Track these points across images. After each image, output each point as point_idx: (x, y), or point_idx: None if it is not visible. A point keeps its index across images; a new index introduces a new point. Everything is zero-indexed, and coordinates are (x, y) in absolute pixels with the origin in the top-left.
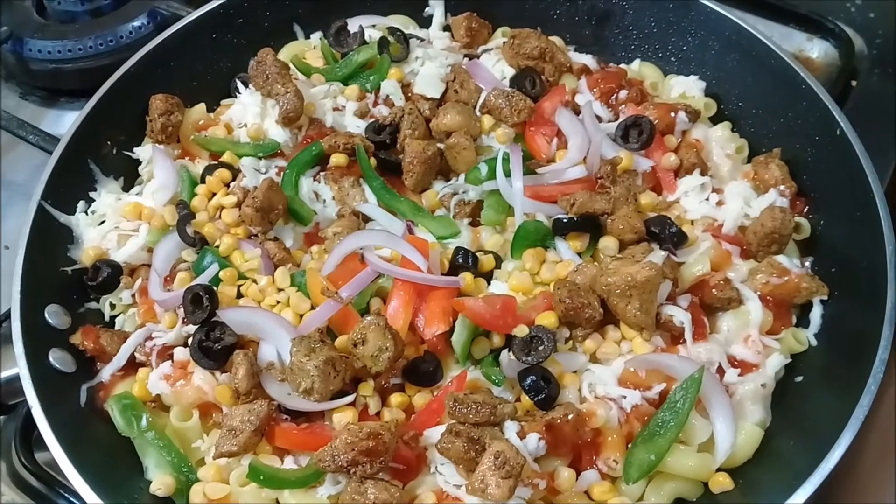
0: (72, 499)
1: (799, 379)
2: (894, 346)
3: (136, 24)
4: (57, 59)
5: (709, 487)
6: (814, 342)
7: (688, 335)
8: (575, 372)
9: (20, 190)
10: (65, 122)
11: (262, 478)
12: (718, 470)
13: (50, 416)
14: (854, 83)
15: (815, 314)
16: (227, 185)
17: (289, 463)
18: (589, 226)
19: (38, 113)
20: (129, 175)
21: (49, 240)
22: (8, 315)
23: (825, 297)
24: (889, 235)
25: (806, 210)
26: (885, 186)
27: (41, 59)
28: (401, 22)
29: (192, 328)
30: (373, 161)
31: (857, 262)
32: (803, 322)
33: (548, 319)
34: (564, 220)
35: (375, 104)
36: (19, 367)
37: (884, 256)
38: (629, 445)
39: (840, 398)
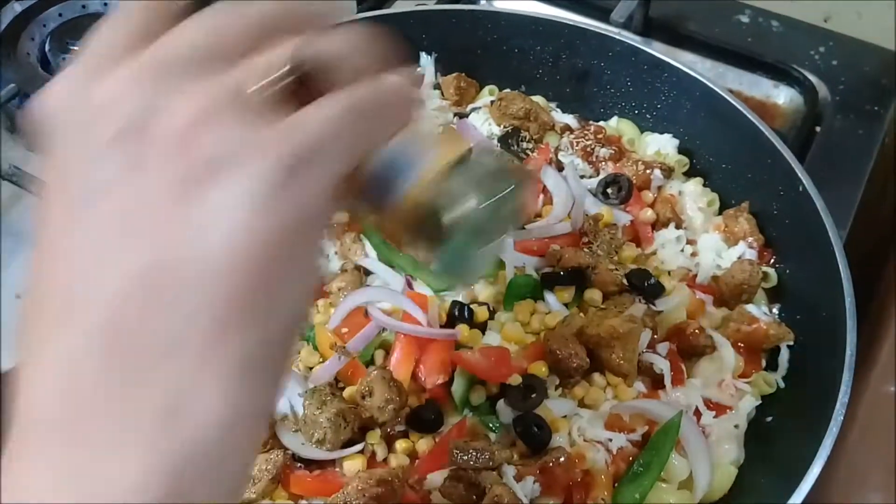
0: None
1: (769, 419)
2: (855, 387)
3: None
4: None
5: None
6: (782, 384)
7: (667, 381)
8: (565, 417)
9: (27, 240)
10: None
11: None
12: None
13: None
14: (818, 129)
15: (783, 358)
16: None
17: None
18: (575, 278)
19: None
20: None
21: None
22: None
23: (791, 343)
24: (848, 288)
25: (773, 260)
26: (848, 231)
27: None
28: None
29: None
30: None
31: (820, 311)
32: (772, 365)
33: (539, 369)
34: (552, 274)
35: None
36: None
37: (843, 306)
38: (616, 485)
39: (807, 437)
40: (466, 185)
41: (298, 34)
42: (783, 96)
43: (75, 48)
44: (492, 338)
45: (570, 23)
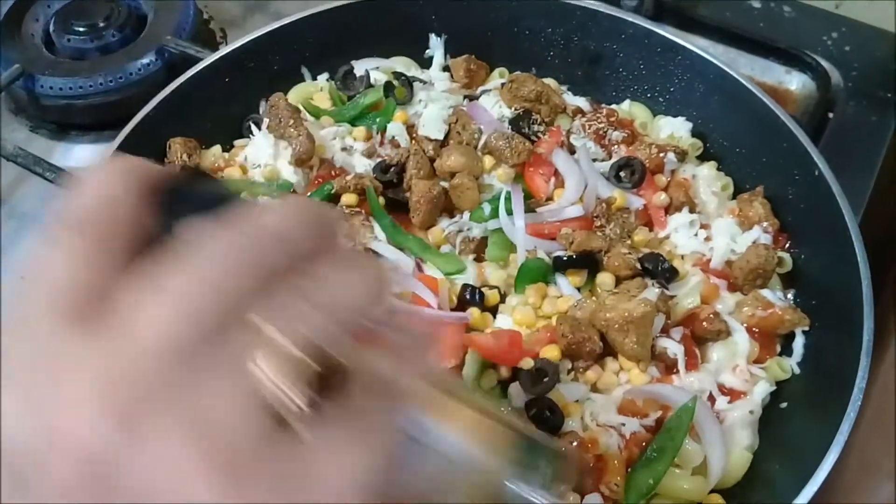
0: None
1: (784, 405)
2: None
3: (145, 61)
4: (68, 96)
5: None
6: (797, 370)
7: (681, 366)
8: (577, 401)
9: (31, 222)
10: (74, 155)
11: None
12: (711, 492)
13: None
14: (831, 115)
15: (798, 344)
16: None
17: None
18: (587, 262)
19: (48, 146)
20: None
21: None
22: None
23: (807, 328)
24: (864, 271)
25: (788, 245)
26: (861, 216)
27: (52, 95)
28: (403, 64)
29: None
30: (381, 200)
31: (836, 295)
32: (787, 351)
33: (551, 353)
34: (564, 258)
35: (381, 144)
36: None
37: (860, 291)
38: (629, 470)
39: (822, 423)
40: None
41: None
42: (795, 82)
43: (80, 29)
44: (503, 321)
45: (582, 4)
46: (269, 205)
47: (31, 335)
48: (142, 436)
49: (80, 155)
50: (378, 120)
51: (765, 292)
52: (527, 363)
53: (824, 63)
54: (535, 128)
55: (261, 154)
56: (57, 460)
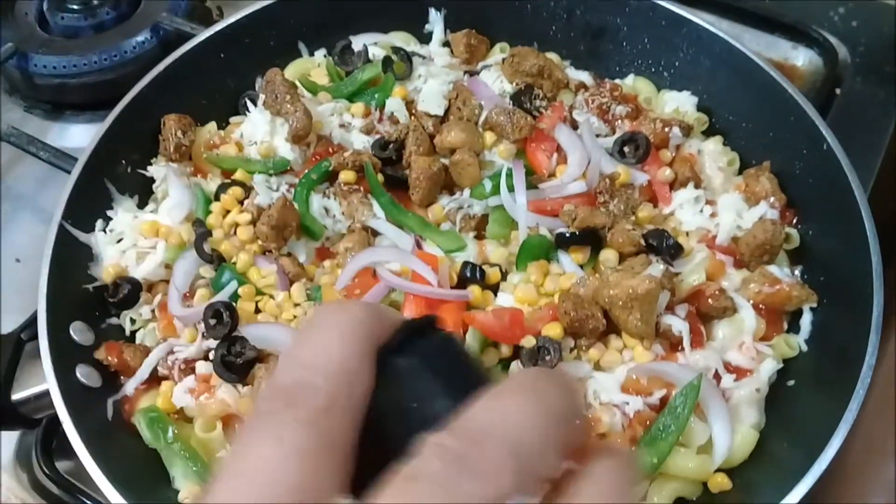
0: None
1: (791, 383)
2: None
3: (140, 39)
4: (62, 74)
5: (708, 487)
6: (804, 347)
7: (686, 343)
8: (580, 379)
9: (26, 203)
10: (69, 135)
11: None
12: (717, 471)
13: (80, 430)
14: (838, 91)
15: (805, 321)
16: (241, 203)
17: None
18: (590, 239)
19: (43, 126)
20: (144, 193)
21: (70, 259)
22: (23, 329)
23: (814, 305)
24: (874, 247)
25: (795, 221)
26: (869, 193)
27: (46, 74)
28: (402, 39)
29: (211, 343)
30: (380, 177)
31: (845, 271)
32: (794, 328)
33: (553, 330)
34: (567, 235)
35: (380, 120)
36: (49, 384)
37: (870, 266)
38: (633, 449)
39: (830, 401)
40: None
41: None
42: (802, 58)
43: (74, 6)
44: (504, 299)
45: None
46: (508, 390)
47: None
48: None
49: (75, 135)
50: (377, 96)
51: (772, 268)
52: (528, 341)
53: (831, 38)
54: (538, 103)
55: (257, 131)
56: None
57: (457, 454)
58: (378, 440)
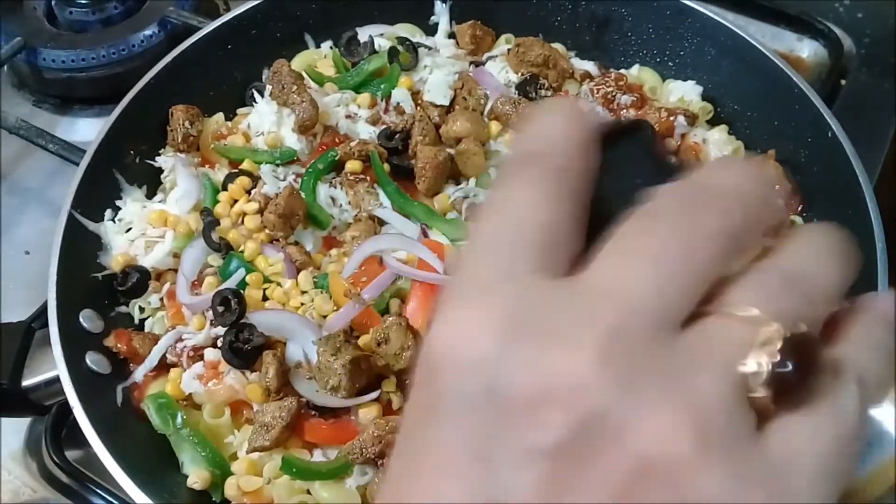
0: (103, 493)
1: None
2: None
3: (147, 33)
4: (70, 69)
5: None
6: None
7: None
8: None
9: (35, 197)
10: (78, 129)
11: (294, 470)
12: None
13: (91, 416)
14: (843, 82)
15: None
16: (248, 192)
17: (318, 456)
18: (596, 227)
19: (52, 120)
20: (152, 183)
21: (79, 248)
22: (34, 319)
23: None
24: (879, 233)
25: (800, 208)
26: (874, 183)
27: (55, 68)
28: (407, 30)
29: (220, 330)
30: (386, 167)
31: None
32: None
33: None
34: None
35: (386, 111)
36: (59, 371)
37: (874, 252)
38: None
39: None
40: None
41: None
42: (807, 49)
43: (82, 1)
44: None
45: None
46: (718, 163)
47: (510, 284)
48: (635, 396)
49: (83, 129)
50: (383, 86)
51: None
52: None
53: (836, 30)
54: (543, 93)
55: (264, 121)
56: (551, 407)
57: (689, 195)
58: (600, 225)
